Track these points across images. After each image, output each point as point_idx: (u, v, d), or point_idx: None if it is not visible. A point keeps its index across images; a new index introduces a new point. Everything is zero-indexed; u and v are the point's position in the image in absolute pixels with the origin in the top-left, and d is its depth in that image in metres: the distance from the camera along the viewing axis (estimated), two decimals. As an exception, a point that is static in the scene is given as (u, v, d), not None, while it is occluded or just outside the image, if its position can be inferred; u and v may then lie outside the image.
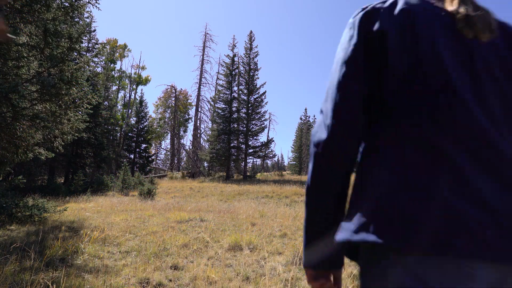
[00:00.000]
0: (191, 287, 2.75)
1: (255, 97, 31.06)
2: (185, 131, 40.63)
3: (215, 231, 5.24)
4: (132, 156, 28.45)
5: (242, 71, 31.42)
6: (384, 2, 0.67)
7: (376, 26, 0.63)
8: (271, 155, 32.95)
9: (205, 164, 32.27)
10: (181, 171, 32.47)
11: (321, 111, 0.68)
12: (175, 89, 37.33)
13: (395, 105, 0.61)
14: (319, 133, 0.66)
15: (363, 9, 0.68)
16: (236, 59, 31.69)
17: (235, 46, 31.90)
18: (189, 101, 37.37)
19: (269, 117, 40.41)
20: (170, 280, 2.88)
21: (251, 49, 31.75)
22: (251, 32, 32.15)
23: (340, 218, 0.66)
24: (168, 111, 38.46)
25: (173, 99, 37.59)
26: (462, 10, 0.63)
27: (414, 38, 0.60)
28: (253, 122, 30.68)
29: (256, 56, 31.76)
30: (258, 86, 31.37)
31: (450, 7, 0.65)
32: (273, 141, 31.30)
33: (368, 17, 0.66)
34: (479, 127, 0.55)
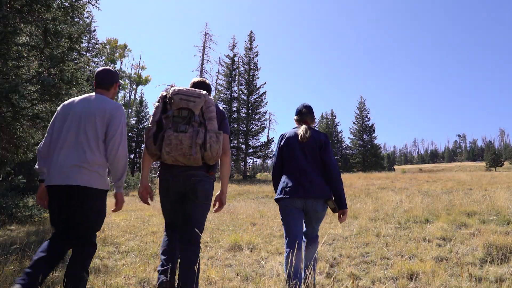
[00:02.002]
0: (191, 287, 2.75)
1: (255, 97, 31.06)
2: (185, 131, 40.42)
3: (215, 231, 5.24)
4: (132, 156, 28.46)
5: (242, 71, 31.40)
6: (285, 133, 2.73)
7: (281, 143, 2.70)
8: (271, 155, 32.86)
9: (205, 164, 32.17)
10: (181, 171, 32.30)
11: (273, 160, 2.83)
12: (175, 89, 37.24)
13: (284, 159, 2.68)
14: (273, 165, 2.79)
15: (282, 135, 2.74)
16: (236, 59, 31.68)
17: (235, 46, 31.89)
18: (189, 101, 37.20)
19: (269, 117, 40.38)
20: (170, 280, 2.88)
21: (251, 49, 31.73)
22: (251, 32, 32.12)
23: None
24: (168, 111, 38.28)
25: (173, 99, 37.45)
26: (301, 135, 2.60)
27: (287, 145, 2.65)
28: (253, 122, 30.69)
29: (256, 56, 31.75)
30: (258, 86, 31.35)
31: (299, 133, 2.63)
32: (273, 141, 31.29)
33: (281, 138, 2.73)
34: (301, 165, 2.56)
